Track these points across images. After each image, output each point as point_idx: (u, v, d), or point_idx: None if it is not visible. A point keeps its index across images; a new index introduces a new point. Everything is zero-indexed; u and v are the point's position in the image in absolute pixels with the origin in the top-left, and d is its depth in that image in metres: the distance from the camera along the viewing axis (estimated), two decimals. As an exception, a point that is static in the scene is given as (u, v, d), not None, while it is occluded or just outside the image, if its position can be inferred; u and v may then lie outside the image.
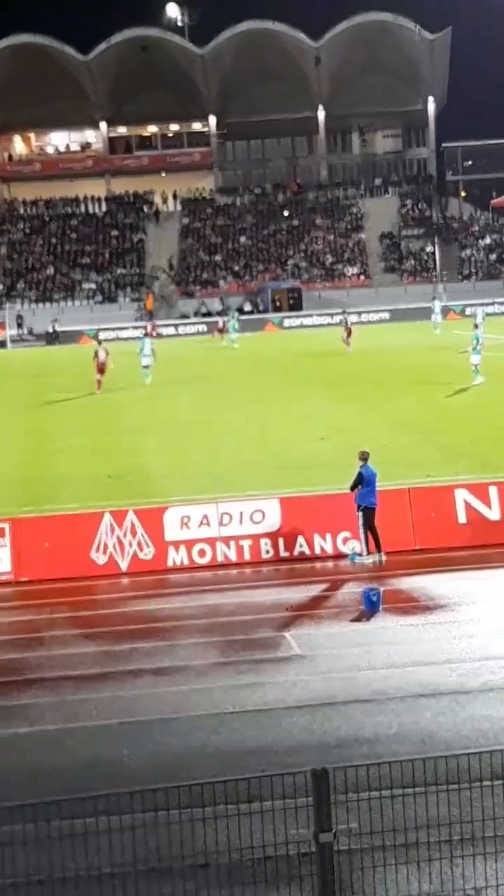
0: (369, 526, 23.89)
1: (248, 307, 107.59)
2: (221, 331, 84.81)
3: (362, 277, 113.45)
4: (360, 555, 24.09)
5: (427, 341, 73.42)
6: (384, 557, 23.93)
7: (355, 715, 15.95)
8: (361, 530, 23.94)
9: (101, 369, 54.39)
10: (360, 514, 23.88)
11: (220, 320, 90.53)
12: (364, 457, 24.12)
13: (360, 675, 17.61)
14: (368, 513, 23.85)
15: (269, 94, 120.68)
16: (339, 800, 10.29)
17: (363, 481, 23.75)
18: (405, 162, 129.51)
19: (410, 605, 21.42)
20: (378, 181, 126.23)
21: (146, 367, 57.16)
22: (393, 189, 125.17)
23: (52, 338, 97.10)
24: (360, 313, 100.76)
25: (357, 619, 20.58)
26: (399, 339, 78.36)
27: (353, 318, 78.52)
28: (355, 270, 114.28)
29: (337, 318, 78.59)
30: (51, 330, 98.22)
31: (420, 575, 23.14)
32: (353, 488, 23.93)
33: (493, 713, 15.72)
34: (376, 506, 23.84)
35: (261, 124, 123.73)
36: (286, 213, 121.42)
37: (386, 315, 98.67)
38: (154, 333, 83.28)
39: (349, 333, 69.47)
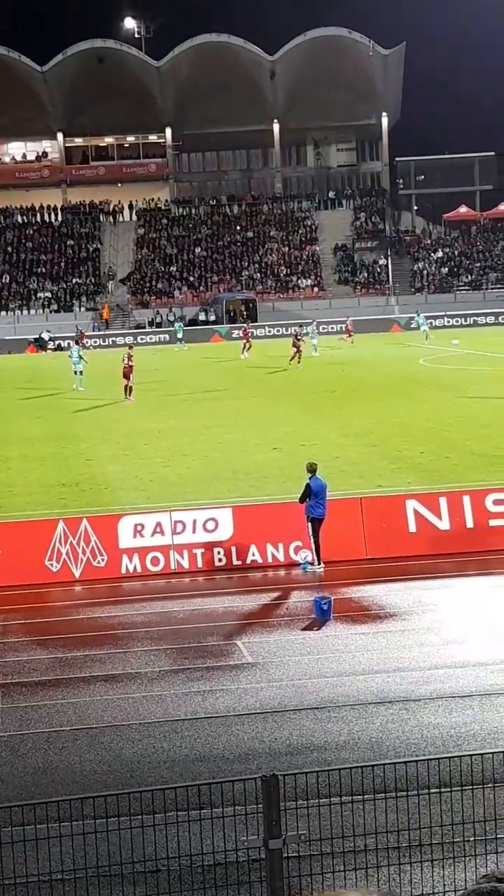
0: (315, 536, 24.05)
1: (202, 317, 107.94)
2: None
3: (316, 289, 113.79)
4: (312, 564, 24.22)
5: (382, 353, 73.67)
6: (322, 568, 24.09)
7: (305, 722, 16.05)
8: (312, 540, 24.09)
9: (127, 374, 53.60)
10: (310, 524, 24.04)
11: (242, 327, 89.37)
12: (312, 468, 24.27)
13: (310, 682, 17.72)
14: (316, 524, 24.00)
15: (224, 106, 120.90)
16: (288, 806, 10.36)
17: (311, 493, 23.89)
18: (359, 175, 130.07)
19: (361, 614, 21.56)
20: (332, 194, 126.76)
21: (79, 373, 59.61)
22: (347, 202, 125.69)
23: (43, 344, 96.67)
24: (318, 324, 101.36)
25: (308, 628, 20.70)
26: (354, 350, 78.63)
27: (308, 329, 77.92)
28: (309, 282, 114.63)
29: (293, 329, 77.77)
30: (45, 337, 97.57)
31: (371, 584, 23.28)
32: (301, 500, 24.05)
33: (441, 721, 15.85)
34: (324, 517, 23.98)
35: (216, 136, 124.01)
36: (240, 226, 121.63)
37: (339, 327, 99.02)
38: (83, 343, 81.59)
39: (298, 349, 67.46)
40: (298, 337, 69.05)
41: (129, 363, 53.61)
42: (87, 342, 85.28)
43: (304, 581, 23.87)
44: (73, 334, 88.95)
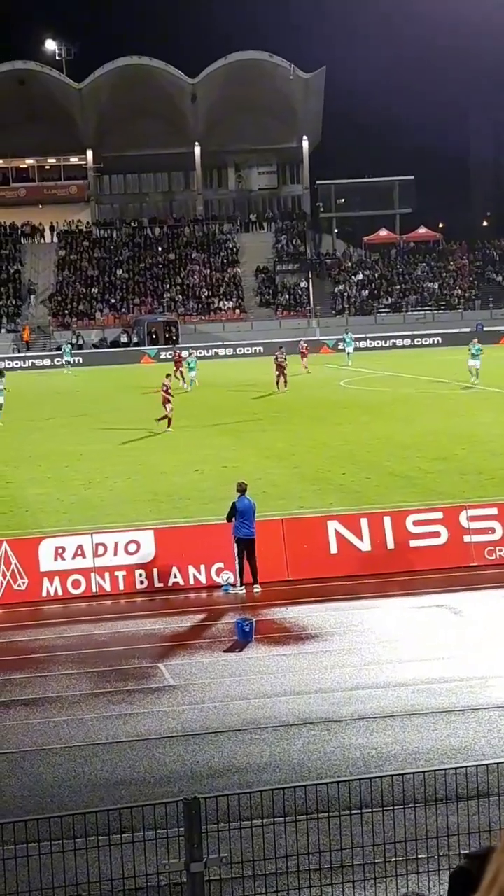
0: (248, 557, 24.04)
1: (124, 339, 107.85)
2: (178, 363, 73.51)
3: (237, 311, 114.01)
4: (234, 585, 24.22)
5: (301, 375, 73.79)
6: (258, 589, 24.08)
7: (227, 744, 16.02)
8: (236, 561, 24.10)
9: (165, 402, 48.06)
10: (235, 544, 24.06)
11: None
12: (240, 488, 24.31)
13: (232, 704, 17.70)
14: (241, 544, 24.01)
15: (146, 129, 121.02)
16: (210, 829, 10.34)
17: (236, 512, 23.93)
18: (280, 198, 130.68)
19: (283, 636, 21.59)
20: (253, 217, 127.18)
21: None
22: (268, 225, 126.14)
23: None
24: (234, 346, 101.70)
25: (230, 650, 20.68)
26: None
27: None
28: (231, 304, 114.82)
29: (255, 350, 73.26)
30: None
31: (292, 605, 23.32)
32: (228, 519, 24.11)
33: (362, 742, 15.88)
34: (252, 537, 23.99)
35: (138, 159, 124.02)
36: (162, 248, 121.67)
37: (261, 349, 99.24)
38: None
39: (281, 371, 63.11)
40: (279, 358, 64.18)
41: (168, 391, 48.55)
42: None
43: (226, 603, 23.85)
44: None
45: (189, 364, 67.73)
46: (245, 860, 10.83)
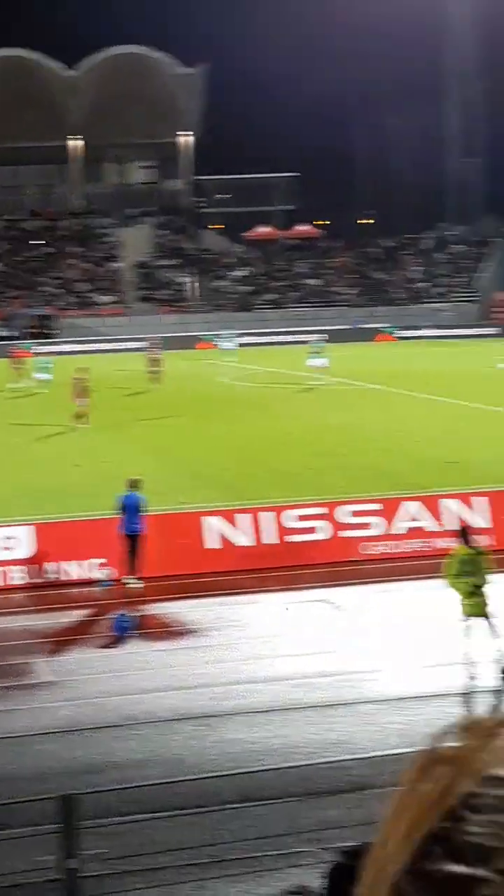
0: (132, 552, 23.88)
1: (2, 333, 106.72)
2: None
3: (117, 306, 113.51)
4: (114, 581, 24.06)
5: (181, 371, 73.71)
6: (139, 585, 23.93)
7: (105, 740, 15.90)
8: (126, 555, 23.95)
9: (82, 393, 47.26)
10: (123, 539, 23.92)
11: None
12: (127, 484, 24.16)
13: (110, 700, 17.58)
14: (125, 540, 23.84)
15: (23, 121, 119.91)
16: (87, 825, 10.24)
17: (122, 507, 23.79)
18: (160, 193, 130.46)
19: (161, 631, 21.52)
20: (133, 211, 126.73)
21: None
22: (148, 219, 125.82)
23: None
24: (114, 342, 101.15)
25: (108, 645, 20.55)
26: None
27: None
28: (110, 299, 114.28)
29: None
30: None
31: (171, 601, 23.25)
32: (120, 513, 23.98)
33: (241, 736, 15.87)
34: (135, 533, 23.80)
35: (15, 151, 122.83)
36: (39, 241, 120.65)
37: (141, 344, 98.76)
38: None
39: (154, 365, 63.57)
40: (151, 353, 64.50)
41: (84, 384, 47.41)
42: None
43: (105, 598, 23.69)
44: None
45: (43, 365, 64.80)
46: (123, 855, 10.75)
